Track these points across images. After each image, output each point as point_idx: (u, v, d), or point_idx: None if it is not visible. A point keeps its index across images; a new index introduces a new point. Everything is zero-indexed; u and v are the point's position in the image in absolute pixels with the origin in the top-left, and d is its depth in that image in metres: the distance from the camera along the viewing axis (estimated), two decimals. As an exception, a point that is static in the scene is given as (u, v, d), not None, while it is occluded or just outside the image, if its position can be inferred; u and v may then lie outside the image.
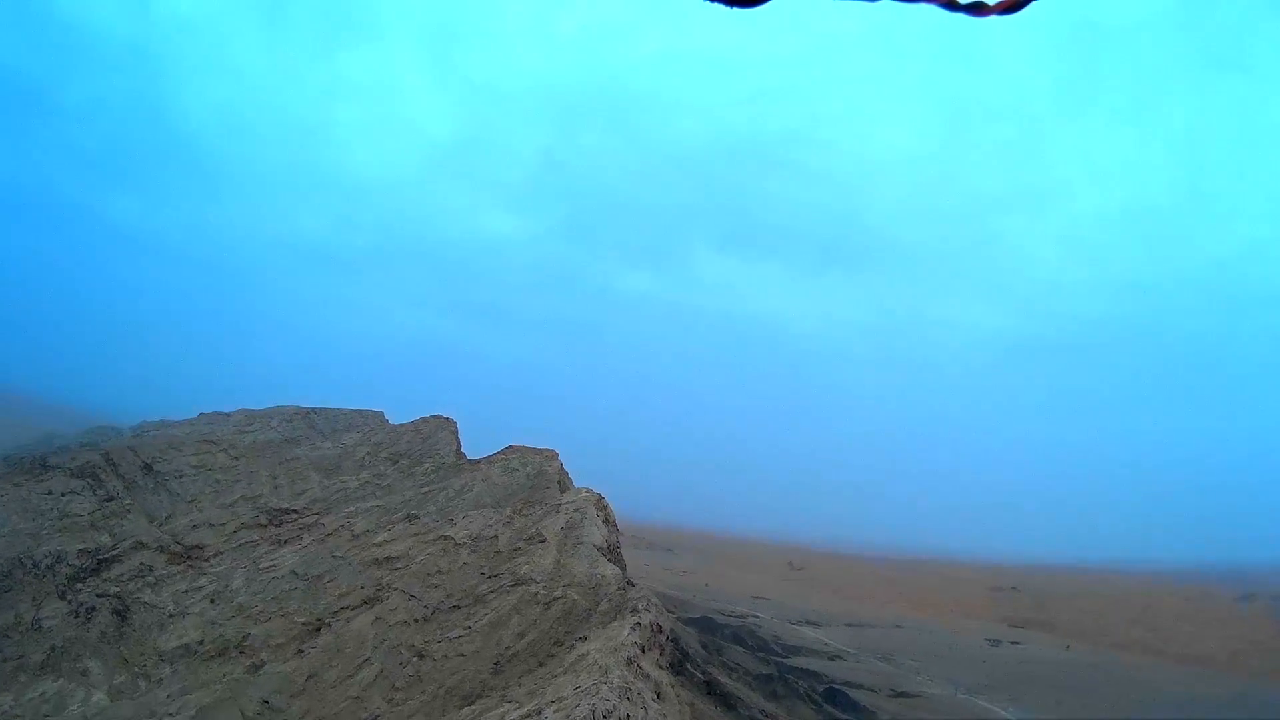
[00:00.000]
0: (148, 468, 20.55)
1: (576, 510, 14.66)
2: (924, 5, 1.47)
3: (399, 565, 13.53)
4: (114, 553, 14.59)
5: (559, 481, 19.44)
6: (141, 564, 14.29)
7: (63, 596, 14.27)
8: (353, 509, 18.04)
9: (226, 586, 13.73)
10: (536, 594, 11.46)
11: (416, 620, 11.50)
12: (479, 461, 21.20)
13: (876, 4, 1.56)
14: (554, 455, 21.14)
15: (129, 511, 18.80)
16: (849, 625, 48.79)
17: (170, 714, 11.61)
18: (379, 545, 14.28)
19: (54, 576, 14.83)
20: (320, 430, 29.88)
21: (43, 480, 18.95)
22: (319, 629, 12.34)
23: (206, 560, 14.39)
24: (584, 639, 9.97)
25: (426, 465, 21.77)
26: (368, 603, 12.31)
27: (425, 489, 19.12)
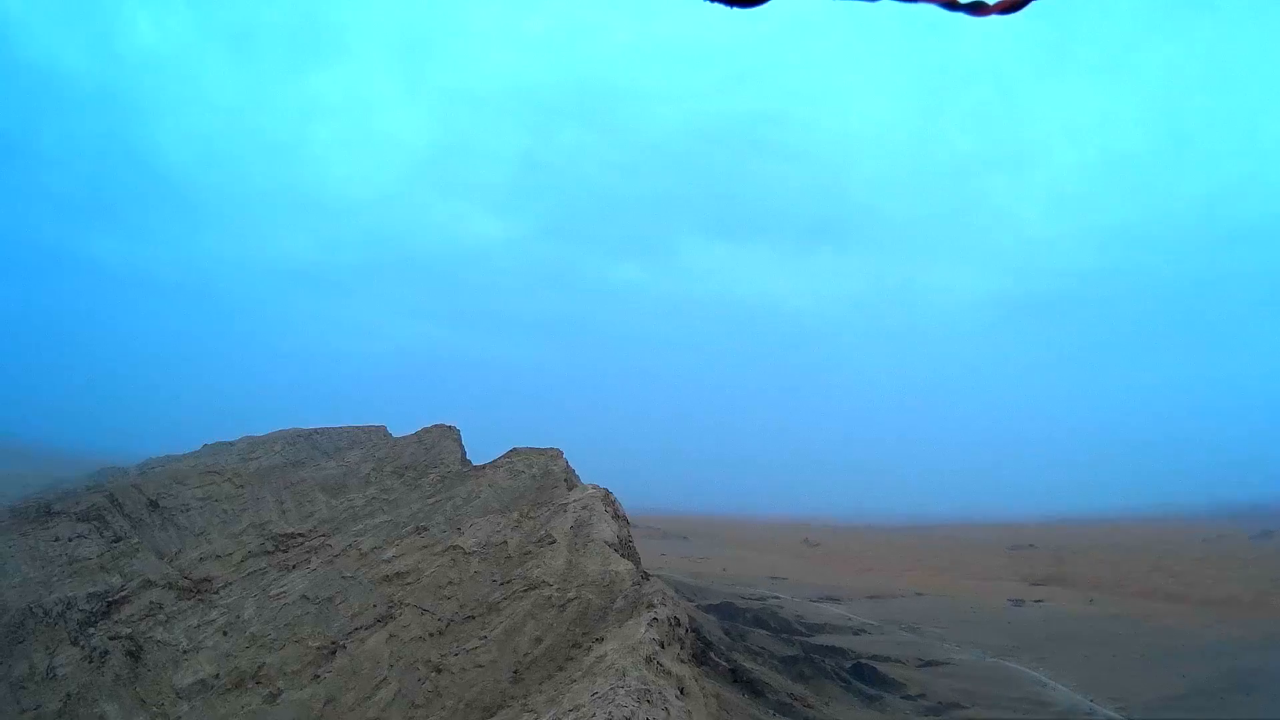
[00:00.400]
0: (153, 504, 20.34)
1: (584, 508, 14.45)
2: (924, 5, 1.45)
3: (409, 580, 13.34)
4: (123, 593, 14.40)
5: (565, 480, 19.21)
6: (151, 602, 14.11)
7: (75, 642, 14.09)
8: (361, 527, 17.85)
9: (238, 617, 13.54)
10: (550, 597, 11.26)
11: (431, 635, 11.31)
12: (484, 467, 20.99)
13: (875, 2, 1.54)
14: (558, 454, 20.91)
15: (138, 550, 18.61)
16: (870, 598, 48.63)
17: (190, 751, 11.44)
18: (388, 561, 14.09)
19: (65, 623, 14.63)
20: (324, 450, 29.68)
21: (49, 527, 18.76)
22: (334, 652, 12.15)
23: (216, 592, 14.20)
24: (601, 639, 9.78)
25: (432, 475, 21.55)
26: (380, 621, 12.11)
27: (432, 499, 18.92)
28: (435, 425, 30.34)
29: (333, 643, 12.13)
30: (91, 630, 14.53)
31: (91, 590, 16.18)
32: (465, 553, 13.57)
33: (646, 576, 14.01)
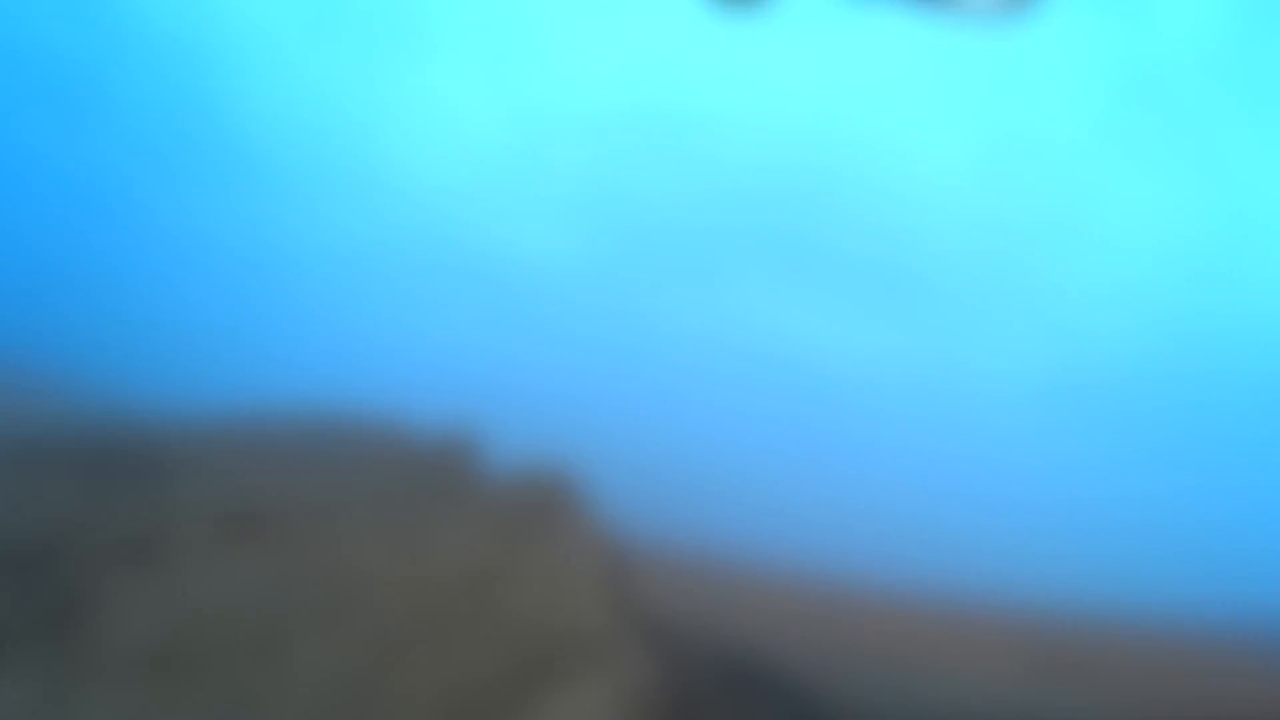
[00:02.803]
0: (151, 459, 19.26)
1: (573, 526, 12.15)
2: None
3: (362, 583, 11.35)
4: (80, 541, 12.95)
5: (574, 494, 17.00)
6: (103, 557, 12.53)
7: (6, 585, 12.79)
8: (353, 512, 16.12)
9: (179, 590, 11.80)
10: (505, 633, 9.00)
11: (359, 651, 9.27)
12: (493, 472, 19.06)
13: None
14: (573, 467, 18.75)
15: (118, 504, 17.45)
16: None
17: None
18: (351, 557, 12.14)
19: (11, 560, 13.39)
20: (356, 433, 28.45)
21: (35, 468, 17.86)
22: (273, 649, 10.26)
23: (170, 559, 12.51)
24: (550, 700, 7.43)
25: (449, 475, 19.83)
26: (315, 625, 10.17)
27: (433, 502, 17.04)
28: (467, 426, 28.79)
29: (261, 639, 10.24)
30: (31, 573, 13.09)
31: (56, 535, 14.88)
32: (430, 562, 11.51)
33: (634, 621, 11.56)
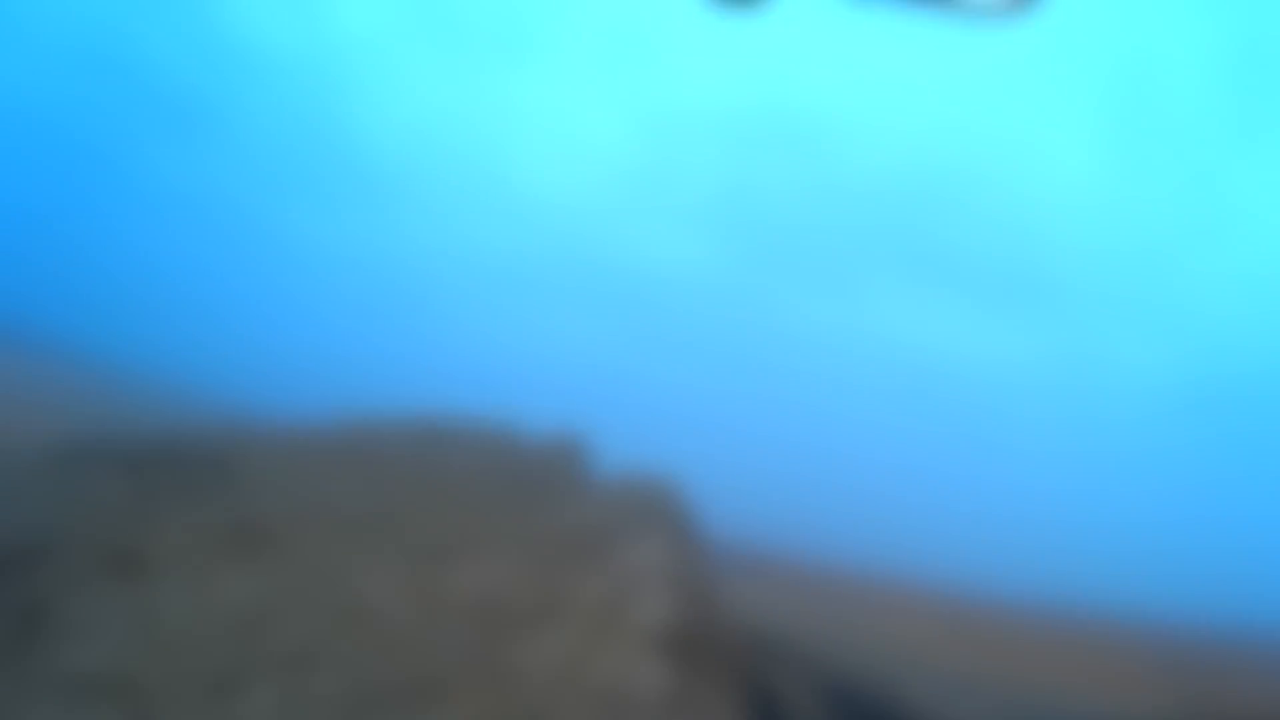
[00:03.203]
0: (219, 463, 18.31)
1: (641, 566, 10.78)
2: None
3: (366, 618, 10.05)
4: (52, 550, 11.91)
5: (663, 513, 15.56)
6: (76, 566, 11.42)
7: None
8: (400, 526, 14.91)
9: (155, 608, 10.64)
10: (522, 701, 7.70)
11: (348, 703, 7.95)
12: (582, 488, 17.80)
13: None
14: (673, 480, 17.15)
15: (161, 510, 16.47)
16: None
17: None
18: (360, 585, 10.90)
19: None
20: (455, 443, 27.08)
21: (78, 467, 17.00)
22: (232, 687, 8.96)
23: (150, 572, 11.42)
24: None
25: (535, 489, 18.57)
26: (298, 666, 8.86)
27: (497, 517, 15.71)
28: (568, 435, 27.21)
29: (234, 676, 8.95)
30: (6, 580, 12.02)
31: (36, 539, 13.83)
32: (449, 599, 10.19)
33: (696, 689, 10.03)
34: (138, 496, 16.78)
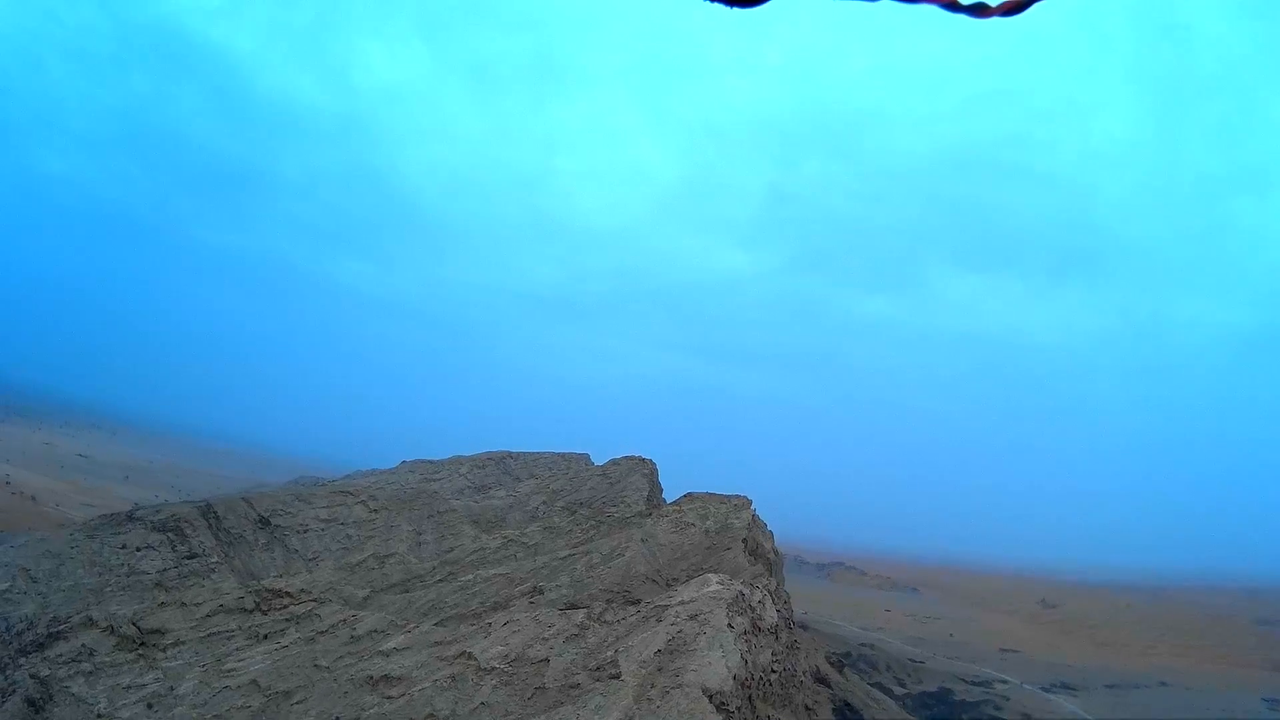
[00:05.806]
0: (264, 521, 18.01)
1: (693, 617, 8.83)
2: (925, 6, 1.37)
3: (394, 690, 8.65)
4: (62, 627, 11.31)
5: (746, 540, 14.29)
6: (83, 646, 10.68)
7: (2, 670, 11.49)
8: (470, 577, 13.92)
9: (171, 689, 9.68)
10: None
11: None
12: (651, 514, 16.56)
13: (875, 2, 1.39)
14: (745, 504, 16.14)
15: (214, 570, 16.20)
16: (1109, 687, 39.74)
17: None
18: (385, 655, 9.53)
19: (19, 642, 12.17)
20: (515, 475, 26.75)
21: (120, 533, 16.95)
22: None
23: (164, 650, 10.50)
24: None
25: (612, 514, 17.54)
26: None
27: (569, 553, 14.46)
28: (625, 457, 26.58)
29: None
30: (23, 661, 11.61)
31: (66, 614, 13.46)
32: (480, 667, 8.58)
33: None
34: (172, 563, 16.39)
